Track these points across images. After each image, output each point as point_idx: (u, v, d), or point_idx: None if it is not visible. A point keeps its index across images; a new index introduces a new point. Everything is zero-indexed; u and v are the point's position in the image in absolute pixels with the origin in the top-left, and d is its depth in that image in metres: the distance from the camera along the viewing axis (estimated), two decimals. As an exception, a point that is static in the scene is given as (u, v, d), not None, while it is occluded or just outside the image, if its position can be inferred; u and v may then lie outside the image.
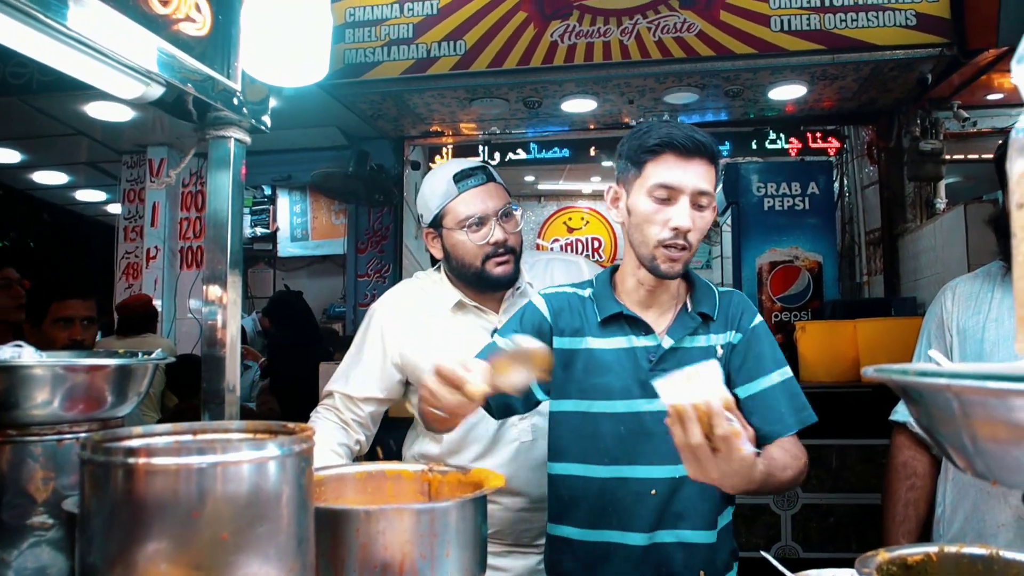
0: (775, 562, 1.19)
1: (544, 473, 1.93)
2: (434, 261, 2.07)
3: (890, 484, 2.03)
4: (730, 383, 1.64)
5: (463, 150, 6.13)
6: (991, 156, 5.59)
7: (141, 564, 0.81)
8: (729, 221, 6.27)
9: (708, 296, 1.71)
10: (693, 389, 1.17)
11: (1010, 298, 1.81)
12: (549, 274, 2.08)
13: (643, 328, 1.66)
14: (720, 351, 1.66)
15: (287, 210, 7.51)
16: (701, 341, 1.66)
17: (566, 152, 6.20)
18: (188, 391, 4.42)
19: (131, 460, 0.82)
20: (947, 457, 0.67)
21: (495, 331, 1.83)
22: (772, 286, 5.36)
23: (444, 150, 6.19)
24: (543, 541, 1.98)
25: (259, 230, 7.77)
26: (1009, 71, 4.28)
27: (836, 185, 5.80)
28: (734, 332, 1.68)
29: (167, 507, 0.82)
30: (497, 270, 1.90)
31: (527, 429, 1.95)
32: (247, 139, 1.69)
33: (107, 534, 0.83)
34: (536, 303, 1.73)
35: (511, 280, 1.94)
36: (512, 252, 1.92)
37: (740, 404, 1.59)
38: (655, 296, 1.67)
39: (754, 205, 5.90)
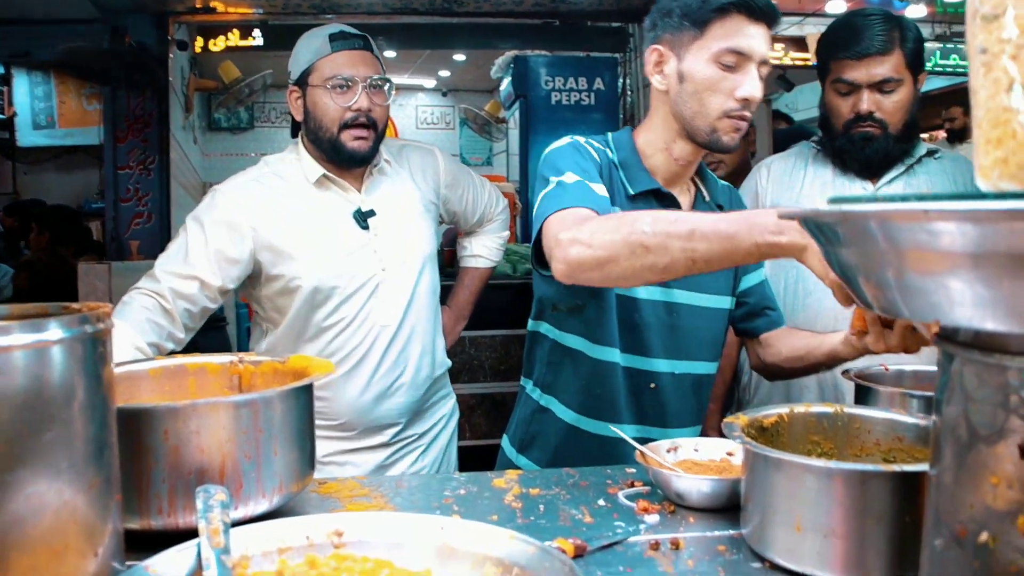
0: (627, 438, 1.17)
1: None
2: (294, 130, 1.95)
3: None
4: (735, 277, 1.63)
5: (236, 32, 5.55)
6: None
7: None
8: (516, 116, 6.25)
9: (717, 187, 1.65)
10: None
11: (821, 177, 1.89)
12: (403, 160, 1.99)
13: (674, 208, 1.53)
14: None
15: (27, 93, 6.49)
16: None
17: (352, 40, 5.81)
18: None
19: None
20: (856, 294, 0.65)
21: None
22: (559, 180, 5.42)
23: (214, 31, 5.58)
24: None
25: (-9, 116, 6.70)
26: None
27: (620, 82, 5.92)
28: None
29: (-92, 414, 0.61)
30: (353, 143, 1.79)
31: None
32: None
33: None
34: (590, 151, 1.51)
35: (366, 157, 1.84)
36: (373, 127, 1.82)
37: (744, 293, 1.64)
38: (683, 175, 1.56)
39: (542, 99, 5.91)
